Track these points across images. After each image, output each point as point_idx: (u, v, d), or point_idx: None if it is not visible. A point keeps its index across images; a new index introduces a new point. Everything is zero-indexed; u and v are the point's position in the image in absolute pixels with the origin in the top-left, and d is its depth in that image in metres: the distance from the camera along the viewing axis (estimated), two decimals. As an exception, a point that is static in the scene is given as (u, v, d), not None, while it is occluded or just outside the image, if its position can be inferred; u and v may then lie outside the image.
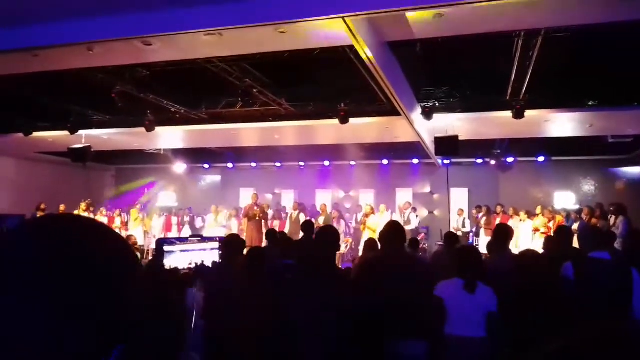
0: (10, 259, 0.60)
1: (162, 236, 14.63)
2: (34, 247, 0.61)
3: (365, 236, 11.45)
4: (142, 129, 10.05)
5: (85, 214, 13.02)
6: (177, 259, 2.48)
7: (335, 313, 3.42)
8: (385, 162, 15.05)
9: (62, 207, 12.49)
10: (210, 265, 2.48)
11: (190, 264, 2.50)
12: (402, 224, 11.31)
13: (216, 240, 2.63)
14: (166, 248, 2.47)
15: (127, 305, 0.63)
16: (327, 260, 3.80)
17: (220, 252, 2.58)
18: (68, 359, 0.57)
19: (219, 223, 13.69)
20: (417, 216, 13.59)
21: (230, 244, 3.11)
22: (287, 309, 3.36)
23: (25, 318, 0.56)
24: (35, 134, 11.13)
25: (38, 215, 11.72)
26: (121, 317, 0.62)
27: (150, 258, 10.47)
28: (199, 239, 2.64)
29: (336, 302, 3.50)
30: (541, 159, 13.80)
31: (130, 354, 0.62)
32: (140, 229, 13.85)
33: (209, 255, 2.54)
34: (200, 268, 2.47)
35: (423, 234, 13.59)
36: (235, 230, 12.69)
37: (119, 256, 0.67)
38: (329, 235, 4.08)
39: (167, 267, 2.45)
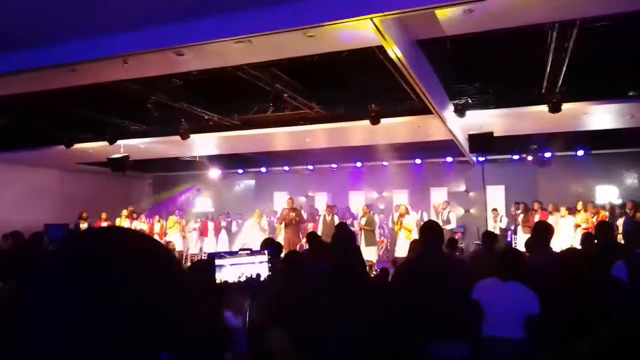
0: (61, 269, 0.63)
1: (199, 241, 14.92)
2: (84, 262, 0.63)
3: (402, 237, 11.37)
4: (178, 137, 10.28)
5: (127, 221, 13.43)
6: (227, 273, 2.52)
7: (367, 313, 3.41)
8: (418, 161, 14.89)
9: (103, 215, 12.89)
10: (257, 278, 2.51)
11: (240, 277, 2.53)
12: (441, 224, 11.16)
13: (264, 253, 2.66)
14: (217, 262, 2.52)
15: (176, 315, 0.65)
16: (357, 261, 3.80)
17: (270, 265, 2.62)
18: None
19: (263, 227, 13.78)
20: (454, 215, 13.38)
21: (270, 249, 3.13)
22: (321, 312, 3.36)
23: (79, 328, 0.58)
24: (76, 146, 11.54)
25: (81, 224, 12.14)
26: (169, 326, 0.64)
27: (188, 264, 10.69)
28: (249, 252, 2.68)
29: (368, 302, 3.49)
30: (580, 152, 13.36)
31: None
32: (178, 234, 14.15)
33: (258, 268, 2.58)
34: (250, 281, 2.51)
35: (459, 233, 13.37)
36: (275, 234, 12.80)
37: (167, 269, 0.69)
38: (345, 234, 4.09)
39: (218, 280, 2.50)
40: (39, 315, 0.59)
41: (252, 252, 2.66)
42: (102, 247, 0.66)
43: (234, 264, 2.56)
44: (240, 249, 2.80)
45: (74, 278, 0.61)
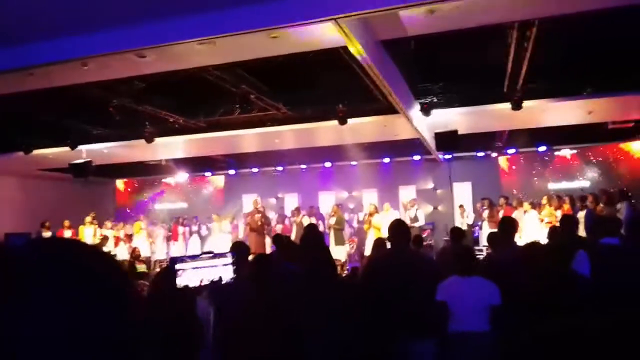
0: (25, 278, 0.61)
1: (166, 245, 14.68)
2: (31, 273, 0.61)
3: (371, 235, 11.45)
4: (142, 141, 10.07)
5: (91, 228, 13.08)
6: (189, 277, 2.45)
7: (339, 314, 3.41)
8: (386, 160, 15.02)
9: (66, 223, 12.53)
10: (220, 281, 2.46)
11: (202, 281, 2.46)
12: (409, 222, 11.24)
13: (227, 256, 2.59)
14: (178, 266, 2.43)
15: (137, 324, 0.64)
16: (327, 261, 3.80)
17: (234, 267, 2.55)
18: None
19: (224, 230, 13.71)
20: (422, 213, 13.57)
21: (236, 252, 3.09)
22: (292, 313, 3.35)
23: (41, 339, 0.57)
24: (36, 152, 11.16)
25: (44, 233, 11.78)
26: (131, 336, 0.63)
27: (157, 270, 10.50)
28: (211, 255, 2.60)
29: (340, 303, 3.49)
30: (542, 148, 13.75)
31: None
32: (144, 240, 13.87)
33: (221, 271, 2.51)
34: (212, 285, 2.45)
35: (428, 230, 13.57)
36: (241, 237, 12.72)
37: (122, 277, 0.68)
38: (313, 235, 4.09)
39: (178, 285, 2.42)
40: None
41: (215, 255, 2.60)
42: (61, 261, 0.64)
43: (196, 267, 2.50)
44: (203, 252, 2.73)
45: (23, 294, 0.59)
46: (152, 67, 6.64)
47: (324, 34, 5.33)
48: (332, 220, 12.05)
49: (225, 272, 2.52)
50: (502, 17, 5.58)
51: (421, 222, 12.73)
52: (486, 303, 3.57)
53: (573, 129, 11.27)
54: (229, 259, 2.56)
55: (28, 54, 5.77)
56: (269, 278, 4.12)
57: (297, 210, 13.08)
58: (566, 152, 14.36)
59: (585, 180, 14.20)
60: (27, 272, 0.61)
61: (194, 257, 2.57)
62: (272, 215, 14.24)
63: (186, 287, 2.44)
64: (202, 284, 2.45)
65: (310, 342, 3.27)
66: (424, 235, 11.16)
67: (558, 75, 8.03)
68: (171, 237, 14.77)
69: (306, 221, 12.16)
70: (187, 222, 15.14)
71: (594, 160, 14.22)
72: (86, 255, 0.68)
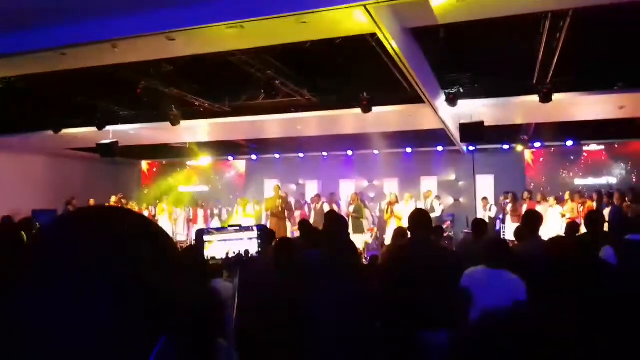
0: (54, 253, 0.62)
1: (187, 227, 14.91)
2: (76, 242, 0.62)
3: (392, 225, 11.44)
4: (168, 123, 10.19)
5: (116, 208, 13.31)
6: (215, 249, 2.49)
7: (357, 301, 3.43)
8: (409, 150, 14.92)
9: (91, 202, 12.79)
10: (244, 256, 2.49)
11: (228, 253, 2.50)
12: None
13: (253, 230, 2.61)
14: (205, 238, 2.47)
15: (173, 294, 0.64)
16: (348, 248, 3.82)
17: (259, 241, 2.58)
18: (119, 349, 0.58)
19: (248, 214, 13.82)
20: (440, 204, 13.48)
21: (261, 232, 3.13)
22: (310, 299, 3.38)
23: (74, 310, 0.57)
24: (65, 131, 11.39)
25: (70, 210, 12.05)
26: (167, 306, 0.63)
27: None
28: (237, 228, 2.62)
29: (358, 290, 3.52)
30: (569, 143, 13.48)
31: (175, 342, 0.63)
32: (166, 220, 14.10)
33: (247, 245, 2.54)
34: (238, 258, 2.48)
35: (449, 222, 13.48)
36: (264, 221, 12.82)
37: (165, 246, 0.68)
38: (336, 221, 4.10)
39: (205, 257, 2.46)
40: (33, 302, 0.58)
41: (241, 228, 2.63)
42: (95, 227, 0.65)
43: (222, 240, 2.53)
44: (230, 225, 2.76)
45: (69, 261, 0.60)
46: (180, 50, 6.69)
47: (353, 20, 5.29)
48: (351, 209, 12.05)
49: (251, 245, 2.55)
50: (536, 6, 5.46)
51: (437, 213, 12.65)
52: (511, 297, 3.54)
53: (602, 123, 11.01)
54: (254, 233, 2.58)
55: (61, 35, 5.87)
56: (290, 262, 4.17)
57: (318, 197, 13.10)
58: (594, 147, 14.06)
59: (613, 176, 13.90)
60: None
61: (220, 230, 2.60)
62: (291, 201, 14.31)
63: (212, 258, 2.48)
64: (229, 256, 2.49)
65: (327, 329, 3.30)
66: (444, 227, 11.10)
67: (590, 68, 7.84)
68: (192, 219, 14.98)
69: (326, 208, 12.20)
70: (208, 205, 15.31)
71: (622, 157, 13.89)
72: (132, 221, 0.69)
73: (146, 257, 0.64)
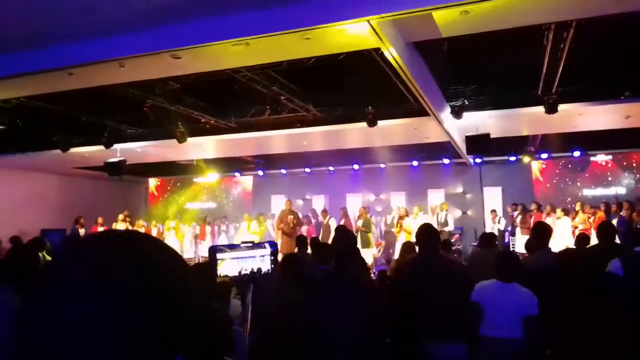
0: (74, 274, 0.61)
1: (194, 244, 14.90)
2: (96, 264, 0.62)
3: (402, 239, 11.34)
4: (174, 141, 10.26)
5: (123, 225, 13.37)
6: (228, 267, 2.47)
7: (367, 317, 3.40)
8: (415, 163, 14.90)
9: (100, 220, 12.83)
10: (257, 273, 2.47)
11: (240, 271, 2.48)
12: (439, 226, 11.04)
13: (265, 247, 2.60)
14: (218, 256, 2.46)
15: (187, 316, 0.64)
16: (358, 263, 3.79)
17: (272, 258, 2.56)
18: None
19: (253, 231, 13.78)
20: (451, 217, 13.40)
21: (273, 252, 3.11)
22: (317, 313, 3.35)
23: (89, 333, 0.57)
24: (73, 150, 11.49)
25: (78, 229, 12.07)
26: (181, 329, 0.63)
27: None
28: (250, 245, 2.61)
29: (366, 305, 3.48)
30: (576, 153, 13.40)
31: None
32: (173, 238, 14.11)
33: (259, 262, 2.53)
34: (251, 276, 2.46)
35: (457, 235, 13.38)
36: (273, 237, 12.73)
37: (179, 270, 0.69)
38: (345, 237, 4.08)
39: (219, 275, 2.45)
40: (49, 324, 0.58)
41: (254, 245, 2.62)
42: (114, 250, 0.65)
43: (235, 258, 2.52)
44: (242, 242, 2.75)
45: (88, 284, 0.60)
46: (186, 68, 6.76)
47: (357, 35, 5.33)
48: (359, 223, 11.99)
49: (263, 263, 2.54)
50: (539, 18, 5.47)
51: (450, 226, 12.57)
52: (523, 312, 3.49)
53: (609, 134, 10.95)
54: (267, 250, 2.57)
55: (68, 55, 5.96)
56: (298, 277, 4.14)
57: (325, 212, 13.05)
58: (601, 157, 13.97)
59: (621, 187, 13.79)
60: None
61: (232, 247, 2.59)
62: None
63: (226, 276, 2.47)
64: (241, 273, 2.48)
65: (337, 344, 3.27)
66: (452, 240, 11.02)
67: (595, 78, 7.83)
68: (199, 236, 14.97)
69: (333, 223, 12.14)
70: (215, 221, 15.31)
71: (631, 167, 13.79)
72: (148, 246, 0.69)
73: (161, 282, 0.64)
